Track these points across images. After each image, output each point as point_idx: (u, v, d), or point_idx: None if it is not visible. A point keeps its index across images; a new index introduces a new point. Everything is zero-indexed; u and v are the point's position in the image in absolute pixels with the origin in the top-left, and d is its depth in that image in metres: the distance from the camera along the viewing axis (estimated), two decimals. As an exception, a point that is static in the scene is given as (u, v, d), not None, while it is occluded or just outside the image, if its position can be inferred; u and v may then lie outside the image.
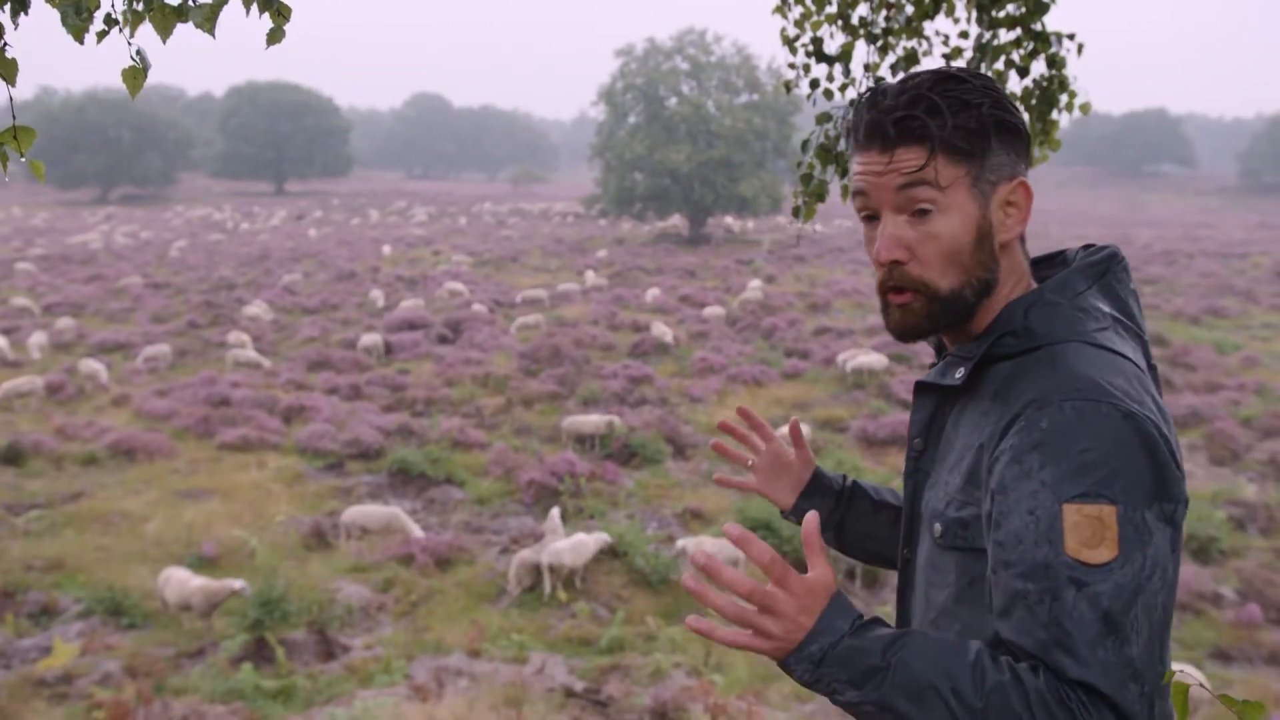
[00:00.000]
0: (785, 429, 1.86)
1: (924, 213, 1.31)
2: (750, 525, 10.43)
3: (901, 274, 1.34)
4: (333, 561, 10.10)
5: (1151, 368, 1.35)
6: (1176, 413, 14.99)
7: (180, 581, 8.52)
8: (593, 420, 13.78)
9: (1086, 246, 1.44)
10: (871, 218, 1.37)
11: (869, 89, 1.39)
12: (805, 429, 13.47)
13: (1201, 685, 1.17)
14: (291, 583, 8.95)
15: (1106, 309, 1.34)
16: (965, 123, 1.30)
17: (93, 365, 17.05)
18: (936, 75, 1.34)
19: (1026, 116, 3.67)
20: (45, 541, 10.20)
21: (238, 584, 8.40)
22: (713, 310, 23.36)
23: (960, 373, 1.35)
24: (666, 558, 9.73)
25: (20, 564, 9.57)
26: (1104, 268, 1.38)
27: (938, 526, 1.35)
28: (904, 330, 1.38)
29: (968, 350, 1.36)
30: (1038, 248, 1.49)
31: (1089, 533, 1.14)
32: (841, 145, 3.44)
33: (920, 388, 1.45)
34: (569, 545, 9.30)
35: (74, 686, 7.47)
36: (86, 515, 10.98)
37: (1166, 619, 1.17)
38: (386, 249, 35.56)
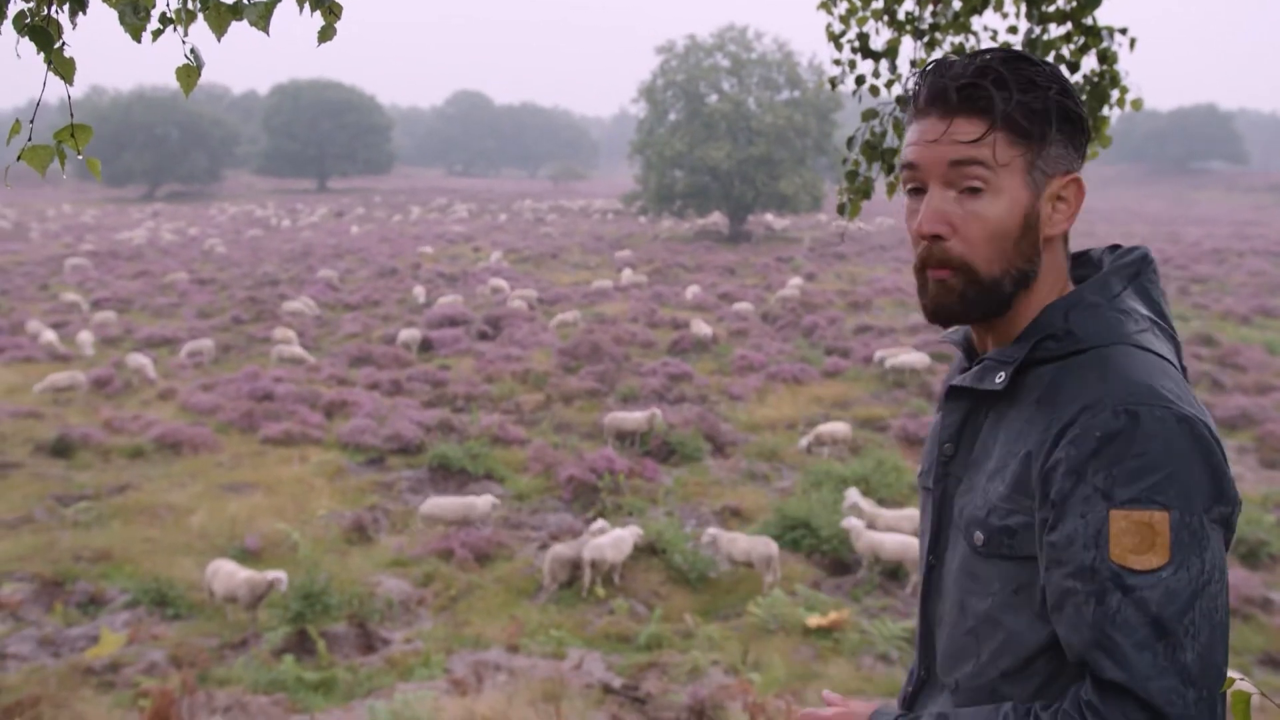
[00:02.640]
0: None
1: (974, 190, 1.28)
2: (788, 524, 10.40)
3: (942, 251, 1.30)
4: (373, 555, 10.19)
5: (1182, 368, 1.32)
6: (1226, 414, 14.74)
7: (228, 574, 8.67)
8: (635, 417, 13.80)
9: (1113, 248, 1.42)
10: (918, 190, 1.33)
11: (936, 58, 1.37)
12: (844, 427, 13.39)
13: (1264, 695, 1.14)
14: (333, 576, 9.05)
15: (1143, 310, 1.33)
16: (1031, 102, 1.27)
17: (139, 359, 17.32)
18: (1008, 53, 1.30)
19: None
20: (93, 532, 10.39)
21: (273, 575, 8.51)
22: (743, 306, 23.28)
23: (1001, 377, 1.31)
24: (705, 556, 9.72)
25: (69, 554, 9.75)
26: (1136, 269, 1.36)
27: (979, 535, 1.32)
28: (938, 309, 1.34)
29: (1007, 354, 1.32)
30: (1083, 246, 1.47)
31: (1137, 539, 1.14)
32: (889, 141, 3.40)
33: (954, 392, 1.41)
34: (610, 540, 9.33)
35: (120, 675, 7.60)
36: (133, 507, 11.16)
37: (1226, 622, 1.15)
38: (428, 249, 35.69)
